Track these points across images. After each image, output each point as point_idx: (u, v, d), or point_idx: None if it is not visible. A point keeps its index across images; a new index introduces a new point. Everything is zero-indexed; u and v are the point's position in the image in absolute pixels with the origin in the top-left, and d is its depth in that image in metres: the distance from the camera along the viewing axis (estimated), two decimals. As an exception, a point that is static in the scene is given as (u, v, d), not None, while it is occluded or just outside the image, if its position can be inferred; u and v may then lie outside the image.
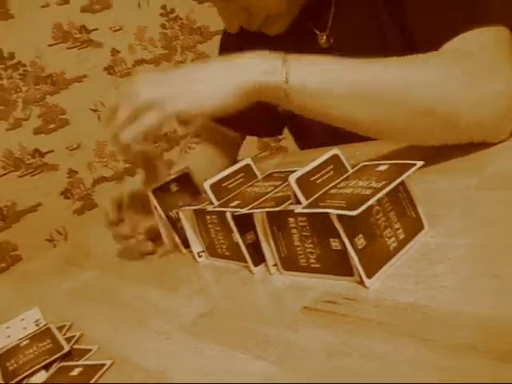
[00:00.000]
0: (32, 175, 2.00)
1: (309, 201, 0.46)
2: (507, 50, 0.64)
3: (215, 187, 0.61)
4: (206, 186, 0.60)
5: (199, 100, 0.63)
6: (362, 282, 0.44)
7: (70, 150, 2.08)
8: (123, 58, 2.22)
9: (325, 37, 0.90)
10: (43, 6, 2.03)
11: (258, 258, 0.56)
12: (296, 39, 0.92)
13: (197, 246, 0.67)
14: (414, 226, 0.48)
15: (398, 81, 0.61)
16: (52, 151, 2.04)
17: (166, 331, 0.53)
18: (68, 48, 2.07)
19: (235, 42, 1.00)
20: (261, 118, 1.06)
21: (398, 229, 0.47)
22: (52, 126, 2.04)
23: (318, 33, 0.90)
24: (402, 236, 0.47)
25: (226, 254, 0.62)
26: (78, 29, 2.11)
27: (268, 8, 0.82)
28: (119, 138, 0.64)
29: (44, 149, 2.03)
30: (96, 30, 2.15)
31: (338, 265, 0.46)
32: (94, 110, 2.13)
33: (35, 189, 1.99)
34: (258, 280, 0.55)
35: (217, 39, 2.54)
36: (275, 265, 0.54)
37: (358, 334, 0.39)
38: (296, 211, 0.46)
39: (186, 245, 0.69)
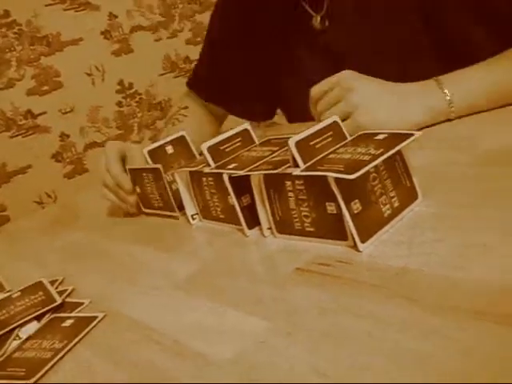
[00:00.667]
0: (23, 136, 1.98)
1: (307, 164, 0.47)
2: None
3: (213, 150, 0.61)
4: (204, 147, 0.61)
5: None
6: (355, 247, 0.45)
7: (63, 114, 2.06)
8: (120, 23, 2.19)
9: (319, 18, 0.89)
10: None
11: (253, 221, 0.56)
12: (289, 18, 0.92)
13: (191, 208, 0.67)
14: (408, 195, 0.49)
15: None
16: (45, 113, 2.02)
17: (157, 287, 0.53)
18: (65, 9, 2.04)
19: (235, 4, 0.99)
20: (253, 102, 1.06)
21: (393, 197, 0.48)
22: (46, 87, 2.01)
23: (313, 13, 0.89)
24: (396, 204, 0.48)
25: (221, 216, 0.62)
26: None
27: None
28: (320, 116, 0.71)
29: (37, 110, 2.00)
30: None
31: (333, 229, 0.47)
32: (89, 74, 2.11)
33: (26, 150, 1.98)
34: (251, 242, 0.56)
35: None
36: (270, 228, 0.54)
37: (349, 294, 0.40)
38: (294, 174, 0.47)
39: (181, 207, 0.70)
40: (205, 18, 2.43)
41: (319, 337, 0.36)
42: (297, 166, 0.48)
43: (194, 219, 0.67)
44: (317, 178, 0.45)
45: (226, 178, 0.56)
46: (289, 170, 0.48)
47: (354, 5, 0.85)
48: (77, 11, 2.07)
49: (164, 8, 2.32)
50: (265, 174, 0.51)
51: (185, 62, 2.40)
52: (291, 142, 0.48)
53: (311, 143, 0.49)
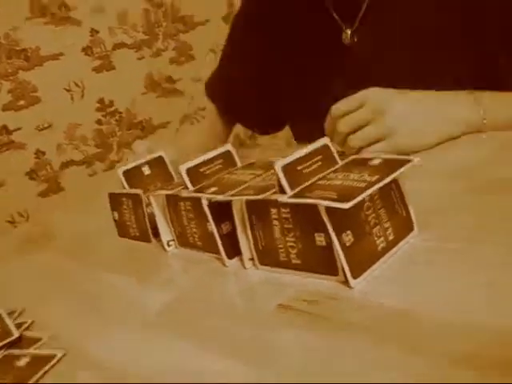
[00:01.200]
0: (-4, 153, 1.91)
1: (295, 191, 0.43)
2: None
3: (192, 172, 0.57)
4: (182, 169, 0.56)
5: (417, 146, 0.66)
6: (346, 282, 0.41)
7: (40, 130, 1.99)
8: (102, 39, 2.15)
9: (349, 33, 0.85)
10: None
11: (233, 250, 0.52)
12: (319, 29, 0.89)
13: (167, 234, 0.62)
14: (403, 227, 0.45)
15: None
16: (20, 129, 1.95)
17: (126, 322, 0.48)
18: (45, 23, 1.99)
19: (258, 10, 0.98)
20: (265, 115, 1.05)
21: (387, 228, 0.43)
22: (22, 102, 1.95)
23: (343, 27, 0.86)
24: (391, 236, 0.44)
25: (198, 244, 0.58)
26: (57, 5, 2.03)
27: None
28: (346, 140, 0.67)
29: (12, 126, 1.93)
30: (76, 9, 2.07)
31: (322, 262, 0.42)
32: (68, 90, 2.05)
33: (-1, 167, 1.91)
34: (231, 273, 0.51)
35: (200, 29, 2.48)
36: (252, 259, 0.50)
37: (339, 336, 0.36)
38: (280, 200, 0.43)
39: (156, 233, 0.65)
40: (189, 37, 2.40)
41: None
42: (283, 192, 0.44)
43: (169, 246, 0.62)
44: (305, 206, 0.41)
45: (204, 202, 0.51)
46: (274, 197, 0.44)
47: (387, 24, 0.82)
48: (57, 26, 2.02)
49: (148, 26, 2.29)
50: (247, 200, 0.47)
51: (167, 81, 2.36)
52: (278, 166, 0.43)
53: (299, 167, 0.45)
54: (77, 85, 2.08)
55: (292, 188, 0.43)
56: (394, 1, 0.81)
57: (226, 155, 0.60)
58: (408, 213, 0.45)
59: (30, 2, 1.97)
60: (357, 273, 0.40)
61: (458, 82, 0.71)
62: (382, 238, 0.43)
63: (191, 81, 2.41)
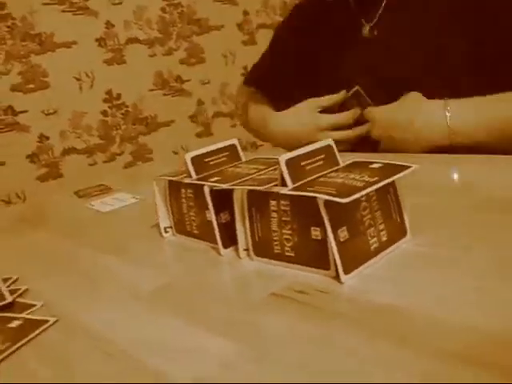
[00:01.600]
0: (0, 132, 1.92)
1: (296, 184, 0.44)
2: None
3: (196, 161, 0.58)
4: (187, 157, 0.58)
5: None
6: (337, 277, 0.42)
7: (45, 115, 2.01)
8: (116, 32, 2.17)
9: (368, 27, 0.94)
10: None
11: (229, 240, 0.53)
12: (340, 23, 0.98)
13: (165, 220, 0.63)
14: (397, 231, 0.46)
15: None
16: (26, 111, 1.97)
17: (119, 298, 0.49)
18: (62, 11, 2.01)
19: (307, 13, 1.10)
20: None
21: (381, 230, 0.45)
22: (31, 85, 1.97)
23: (363, 22, 0.94)
24: (384, 238, 0.45)
25: (195, 232, 0.59)
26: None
27: None
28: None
29: (18, 108, 1.95)
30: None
31: (315, 256, 0.44)
32: (78, 79, 2.08)
33: (1, 147, 1.92)
34: (225, 262, 0.52)
35: (214, 34, 2.51)
36: (246, 249, 0.51)
37: (327, 325, 0.37)
38: (281, 192, 0.44)
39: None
40: (202, 40, 2.43)
41: (292, 367, 0.33)
42: (284, 185, 0.45)
43: (166, 232, 0.64)
44: (304, 200, 0.42)
45: (206, 190, 0.52)
46: (275, 189, 0.46)
47: (406, 19, 0.89)
48: (74, 14, 2.05)
49: (163, 24, 2.31)
50: (249, 190, 0.48)
51: (176, 80, 2.38)
52: (282, 160, 0.45)
53: (302, 163, 0.46)
54: (87, 75, 2.10)
55: (293, 182, 0.45)
56: (408, 4, 0.90)
57: (232, 148, 0.61)
58: (402, 218, 0.47)
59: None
60: (348, 269, 0.42)
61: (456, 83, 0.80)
62: (375, 239, 0.44)
63: (199, 83, 2.43)
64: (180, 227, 0.61)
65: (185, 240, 0.61)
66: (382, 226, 0.45)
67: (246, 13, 2.58)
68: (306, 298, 0.41)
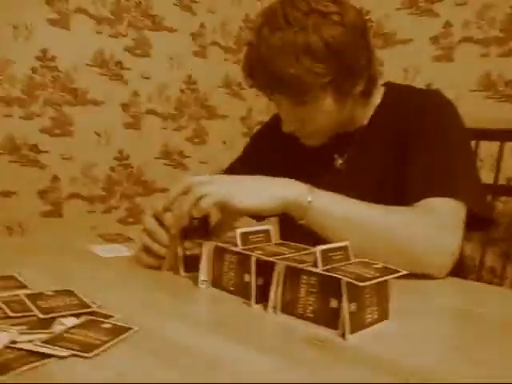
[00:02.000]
0: (21, 165, 2.10)
1: (326, 267, 0.65)
2: (459, 222, 0.93)
3: (243, 235, 0.78)
4: (238, 232, 0.78)
5: (243, 198, 0.85)
6: (342, 336, 0.62)
7: (62, 159, 2.21)
8: (140, 102, 2.42)
9: (340, 161, 1.15)
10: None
11: (259, 298, 0.73)
12: (315, 155, 1.16)
13: (204, 274, 0.83)
14: (383, 313, 0.67)
15: (388, 224, 0.90)
16: (47, 152, 2.16)
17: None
18: (101, 74, 2.26)
19: (267, 139, 1.24)
20: None
21: (375, 310, 0.66)
22: (57, 131, 2.18)
23: (336, 156, 1.16)
24: (375, 316, 0.66)
25: (231, 288, 0.78)
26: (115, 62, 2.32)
27: (320, 124, 1.05)
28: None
29: (42, 147, 2.15)
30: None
31: (328, 319, 0.64)
32: (98, 134, 2.29)
33: (19, 178, 2.09)
34: (254, 314, 0.72)
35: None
36: (274, 307, 0.71)
37: (338, 362, 0.57)
38: (314, 271, 0.65)
39: (187, 269, 0.86)
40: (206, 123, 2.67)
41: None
42: (315, 266, 0.66)
43: (202, 284, 0.83)
44: (330, 278, 0.63)
45: (253, 259, 0.73)
46: (310, 268, 0.66)
47: (367, 160, 1.11)
48: (111, 79, 2.30)
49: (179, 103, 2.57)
50: (287, 265, 0.69)
51: (179, 154, 2.61)
52: (318, 249, 0.66)
53: (329, 254, 0.67)
54: (106, 132, 2.32)
55: (323, 266, 0.65)
56: (370, 150, 1.12)
57: (267, 232, 0.82)
58: (387, 305, 0.68)
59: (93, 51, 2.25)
60: (352, 330, 0.62)
61: None
62: (370, 315, 0.65)
63: (198, 160, 2.65)
64: (217, 282, 0.81)
65: (219, 292, 0.80)
66: (375, 308, 0.66)
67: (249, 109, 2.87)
68: (321, 344, 0.61)
